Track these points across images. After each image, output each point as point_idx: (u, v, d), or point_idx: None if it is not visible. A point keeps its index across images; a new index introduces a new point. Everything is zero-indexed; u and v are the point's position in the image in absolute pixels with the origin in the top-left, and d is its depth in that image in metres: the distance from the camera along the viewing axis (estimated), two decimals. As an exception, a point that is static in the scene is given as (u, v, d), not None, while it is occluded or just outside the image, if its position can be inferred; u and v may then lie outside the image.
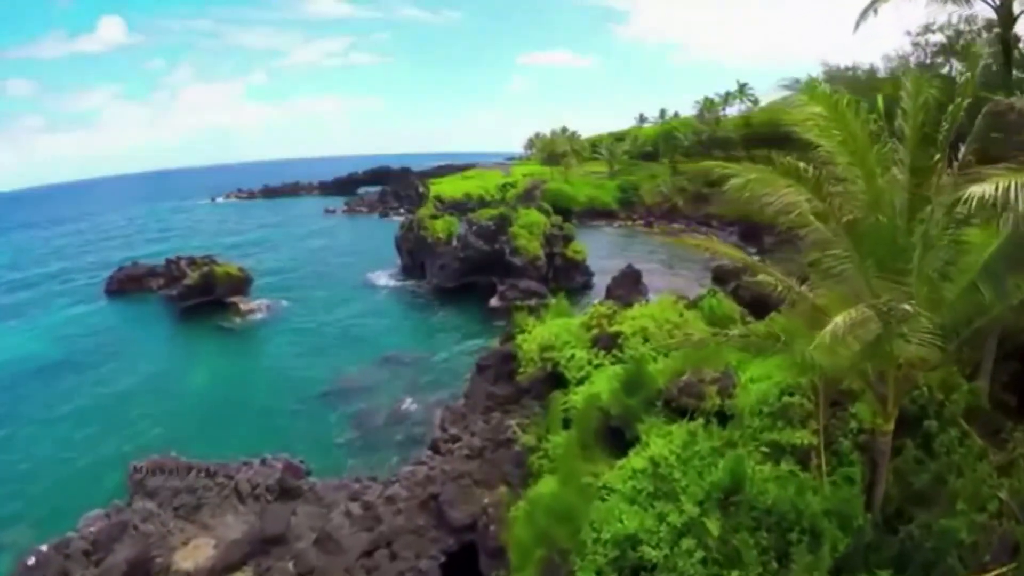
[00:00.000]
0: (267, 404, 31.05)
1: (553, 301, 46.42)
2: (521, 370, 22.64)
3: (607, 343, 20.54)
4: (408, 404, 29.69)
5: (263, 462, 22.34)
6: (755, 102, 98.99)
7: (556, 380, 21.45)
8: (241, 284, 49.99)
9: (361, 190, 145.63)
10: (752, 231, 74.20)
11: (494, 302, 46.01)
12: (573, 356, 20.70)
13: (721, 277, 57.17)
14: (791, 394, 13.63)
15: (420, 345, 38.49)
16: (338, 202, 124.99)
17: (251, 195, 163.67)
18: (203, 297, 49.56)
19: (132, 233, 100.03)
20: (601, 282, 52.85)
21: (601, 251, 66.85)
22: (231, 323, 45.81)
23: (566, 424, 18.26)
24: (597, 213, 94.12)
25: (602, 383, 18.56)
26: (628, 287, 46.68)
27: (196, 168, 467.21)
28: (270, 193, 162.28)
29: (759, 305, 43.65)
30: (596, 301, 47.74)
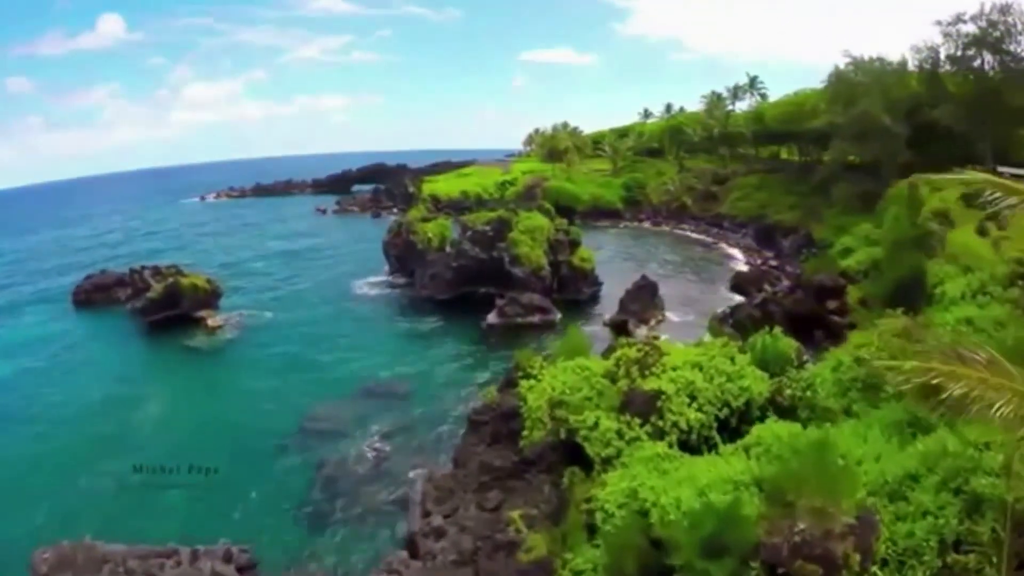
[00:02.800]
0: (221, 452, 25.92)
1: (559, 319, 41.73)
2: (526, 432, 17.61)
3: (643, 407, 15.47)
4: (386, 456, 24.51)
5: (194, 556, 17.34)
6: (764, 96, 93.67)
7: (572, 451, 16.41)
8: (209, 297, 44.79)
9: (355, 188, 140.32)
10: (767, 233, 69.24)
11: (492, 319, 40.76)
12: (597, 424, 15.60)
13: (741, 286, 52.42)
14: (958, 544, 8.57)
15: (405, 373, 33.35)
16: (330, 201, 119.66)
17: (242, 194, 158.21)
18: (168, 311, 44.42)
19: (113, 236, 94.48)
20: (610, 292, 47.89)
21: (608, 255, 61.84)
22: (197, 342, 40.64)
23: (591, 531, 13.25)
24: (601, 213, 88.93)
25: (643, 472, 13.50)
26: (644, 301, 41.66)
27: (196, 165, 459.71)
28: (261, 191, 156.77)
29: (793, 321, 38.77)
30: (607, 316, 43.01)
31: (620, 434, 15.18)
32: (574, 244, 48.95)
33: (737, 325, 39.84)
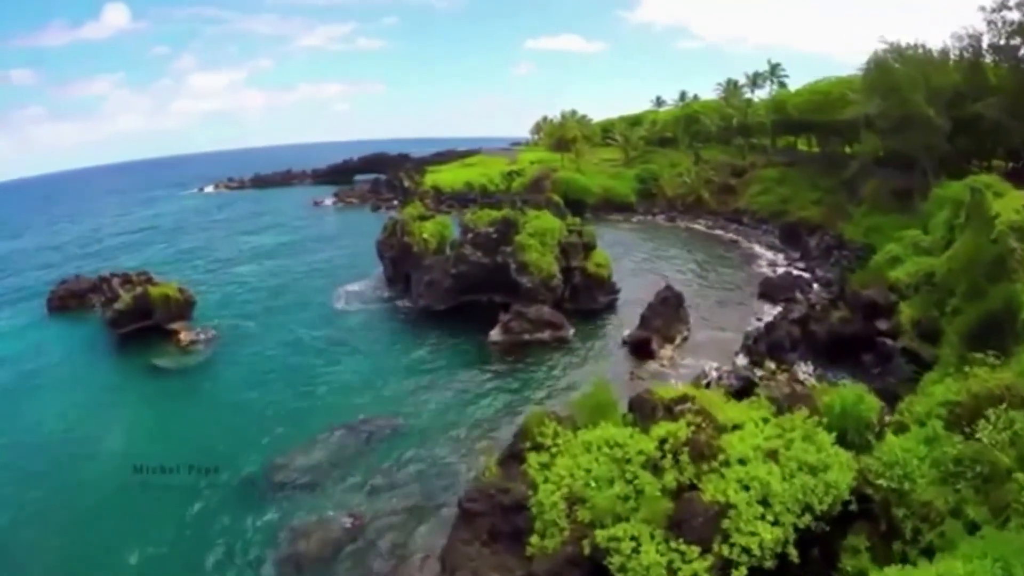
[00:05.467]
0: (170, 505, 21.83)
1: (572, 335, 36.89)
2: (535, 538, 13.22)
3: (702, 529, 11.05)
4: (364, 525, 20.09)
5: None
6: (783, 84, 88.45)
7: (598, 573, 12.06)
8: (182, 307, 40.48)
9: (356, 178, 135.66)
10: (791, 231, 64.40)
11: (496, 335, 36.29)
12: (637, 548, 11.22)
13: (770, 294, 47.64)
14: None
15: (394, 406, 28.87)
16: (329, 192, 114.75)
17: (240, 185, 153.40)
18: (139, 323, 40.30)
19: (102, 235, 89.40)
20: (627, 298, 43.24)
21: (622, 253, 57.20)
22: (166, 361, 36.21)
23: None
24: (613, 206, 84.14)
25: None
26: (668, 315, 36.86)
27: (198, 155, 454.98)
28: (260, 183, 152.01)
29: (838, 343, 33.98)
30: (626, 332, 37.89)
31: (673, 568, 10.77)
32: (588, 247, 44.24)
33: (774, 347, 35.38)
